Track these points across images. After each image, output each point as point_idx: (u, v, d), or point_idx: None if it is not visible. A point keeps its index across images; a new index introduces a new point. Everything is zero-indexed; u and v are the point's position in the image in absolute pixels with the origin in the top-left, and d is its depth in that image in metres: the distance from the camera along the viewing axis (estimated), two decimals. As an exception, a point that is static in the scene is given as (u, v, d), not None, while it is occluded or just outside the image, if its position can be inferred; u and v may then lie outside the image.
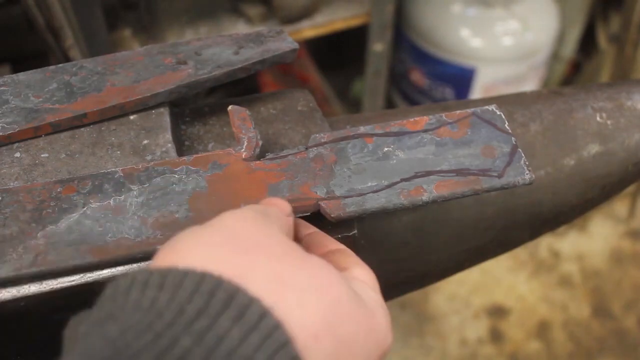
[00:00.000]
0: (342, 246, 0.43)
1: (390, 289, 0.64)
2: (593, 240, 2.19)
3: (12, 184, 0.48)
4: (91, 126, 0.53)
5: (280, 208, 0.40)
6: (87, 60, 0.57)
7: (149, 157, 0.50)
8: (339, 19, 1.62)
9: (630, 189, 2.14)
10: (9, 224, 0.44)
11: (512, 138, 0.51)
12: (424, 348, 1.90)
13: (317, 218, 0.49)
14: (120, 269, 0.44)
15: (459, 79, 1.96)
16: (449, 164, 0.50)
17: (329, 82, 2.19)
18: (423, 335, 1.92)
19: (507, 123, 0.53)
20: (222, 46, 0.59)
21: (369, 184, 0.48)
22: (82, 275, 0.43)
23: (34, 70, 0.56)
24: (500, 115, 0.53)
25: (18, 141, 0.51)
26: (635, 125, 0.66)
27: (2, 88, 0.54)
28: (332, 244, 0.43)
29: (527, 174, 0.49)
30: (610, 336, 1.94)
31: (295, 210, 0.47)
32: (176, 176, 0.48)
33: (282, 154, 0.50)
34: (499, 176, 0.49)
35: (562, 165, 0.63)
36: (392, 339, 0.35)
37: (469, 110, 0.53)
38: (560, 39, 2.13)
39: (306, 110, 0.59)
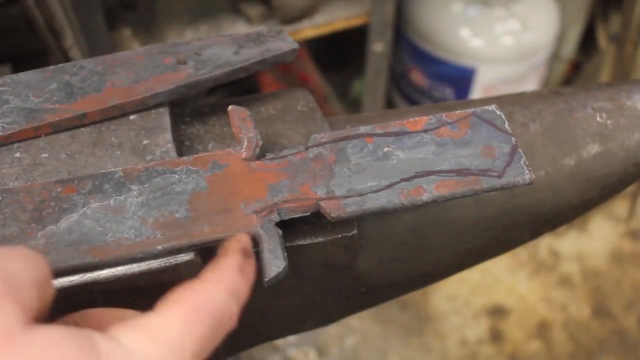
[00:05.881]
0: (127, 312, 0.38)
1: (390, 289, 0.64)
2: (593, 240, 2.19)
3: (12, 184, 0.48)
4: (91, 126, 0.53)
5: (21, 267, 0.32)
6: (87, 60, 0.57)
7: (149, 157, 0.50)
8: (339, 19, 1.62)
9: (630, 189, 2.14)
10: (9, 224, 0.44)
11: (512, 138, 0.51)
12: (424, 348, 1.90)
13: (317, 218, 0.49)
14: (120, 269, 0.44)
15: (459, 79, 1.96)
16: (449, 164, 0.50)
17: (329, 82, 2.19)
18: (423, 335, 1.92)
19: (507, 123, 0.52)
20: (222, 46, 0.59)
21: (369, 184, 0.48)
22: (82, 275, 0.43)
23: (34, 70, 0.56)
24: (500, 115, 0.53)
25: (18, 141, 0.51)
26: (635, 125, 0.66)
27: (2, 88, 0.54)
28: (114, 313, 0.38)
29: (527, 174, 0.49)
30: (610, 336, 1.94)
31: (295, 210, 0.47)
32: (176, 176, 0.48)
33: (282, 154, 0.50)
34: (499, 176, 0.49)
35: (562, 165, 0.63)
36: None
37: (469, 111, 0.53)
38: (560, 39, 2.13)
39: (306, 110, 0.59)
